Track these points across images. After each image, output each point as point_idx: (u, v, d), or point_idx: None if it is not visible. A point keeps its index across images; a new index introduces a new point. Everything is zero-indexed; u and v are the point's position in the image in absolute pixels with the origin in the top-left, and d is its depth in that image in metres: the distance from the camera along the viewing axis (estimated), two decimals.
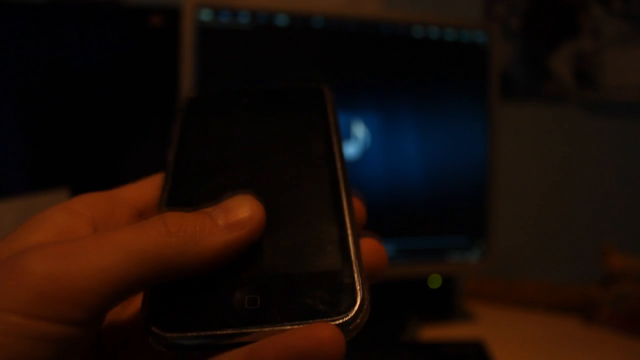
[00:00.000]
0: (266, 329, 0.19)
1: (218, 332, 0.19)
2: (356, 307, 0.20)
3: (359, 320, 0.20)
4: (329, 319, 0.19)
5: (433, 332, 0.78)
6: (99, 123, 0.80)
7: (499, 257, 0.87)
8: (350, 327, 0.19)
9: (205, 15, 0.72)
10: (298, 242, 0.22)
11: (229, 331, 0.19)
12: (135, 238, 0.19)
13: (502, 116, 0.89)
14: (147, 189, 0.25)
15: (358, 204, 0.24)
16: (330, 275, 0.20)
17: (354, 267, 0.21)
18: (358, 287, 0.20)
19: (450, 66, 0.82)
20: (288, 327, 0.19)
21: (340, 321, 0.19)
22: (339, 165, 0.25)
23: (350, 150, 0.78)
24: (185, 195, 0.24)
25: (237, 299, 0.20)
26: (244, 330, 0.19)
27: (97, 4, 0.80)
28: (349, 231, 0.22)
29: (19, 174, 0.77)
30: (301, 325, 0.19)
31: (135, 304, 0.24)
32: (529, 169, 1.10)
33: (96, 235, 0.19)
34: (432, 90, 0.81)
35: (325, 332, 0.18)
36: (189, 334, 0.19)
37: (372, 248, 0.23)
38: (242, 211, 0.21)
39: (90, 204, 0.23)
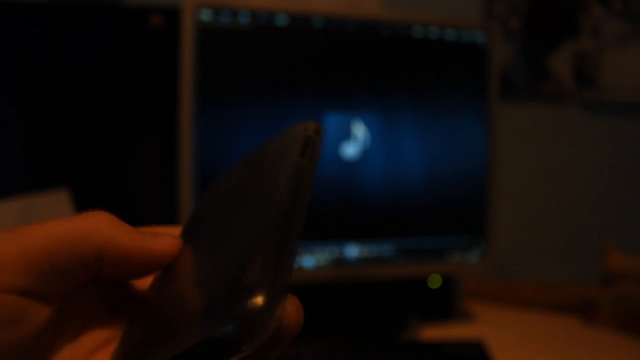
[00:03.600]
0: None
1: None
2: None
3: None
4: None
5: (433, 332, 0.78)
6: (99, 123, 0.80)
7: (499, 257, 0.87)
8: None
9: (205, 15, 0.72)
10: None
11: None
12: (60, 223, 0.21)
13: (502, 116, 0.89)
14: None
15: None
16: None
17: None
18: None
19: (450, 66, 0.82)
20: None
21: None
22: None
23: (350, 150, 0.78)
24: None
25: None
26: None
27: (97, 4, 0.80)
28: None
29: (19, 174, 0.77)
30: None
31: None
32: (529, 169, 1.10)
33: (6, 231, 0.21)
34: (432, 90, 0.81)
35: None
36: None
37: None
38: (166, 237, 0.24)
39: None
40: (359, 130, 0.79)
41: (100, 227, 0.21)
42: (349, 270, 0.78)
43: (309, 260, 0.76)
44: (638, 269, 0.84)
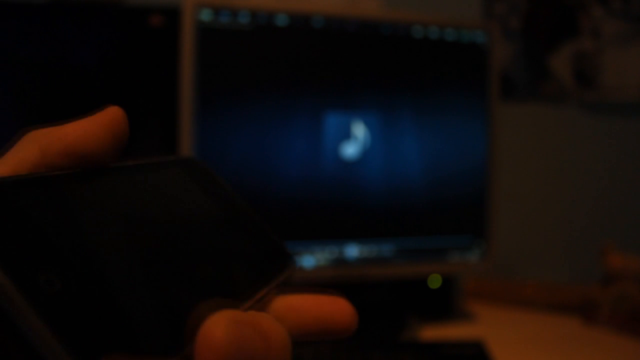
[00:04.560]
0: None
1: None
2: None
3: None
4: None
5: (433, 332, 0.78)
6: None
7: (499, 257, 0.87)
8: None
9: (205, 15, 0.72)
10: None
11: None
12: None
13: (502, 116, 0.89)
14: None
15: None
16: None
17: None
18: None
19: (450, 66, 0.82)
20: None
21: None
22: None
23: (350, 150, 0.78)
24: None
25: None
26: None
27: (97, 4, 0.80)
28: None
29: None
30: None
31: None
32: (529, 169, 1.10)
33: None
34: (432, 90, 0.81)
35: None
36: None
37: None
38: (103, 111, 0.23)
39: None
40: (359, 130, 0.79)
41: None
42: (349, 270, 0.78)
43: (309, 260, 0.76)
44: (638, 269, 0.84)
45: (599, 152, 1.11)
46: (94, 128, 0.22)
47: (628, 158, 1.11)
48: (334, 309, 0.22)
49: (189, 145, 0.71)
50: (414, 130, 0.80)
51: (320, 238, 0.77)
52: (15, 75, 0.77)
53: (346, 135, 0.78)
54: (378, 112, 0.79)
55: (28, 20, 0.76)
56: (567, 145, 1.11)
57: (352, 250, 0.78)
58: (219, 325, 0.15)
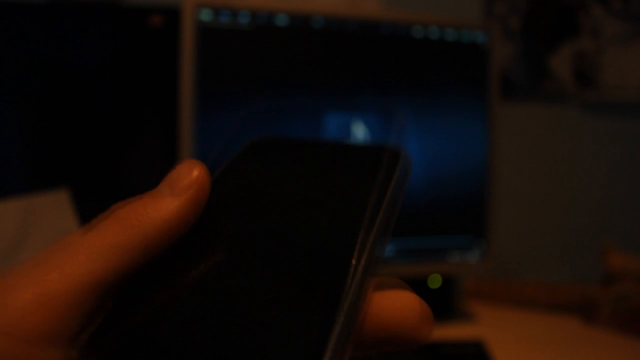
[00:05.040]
0: None
1: None
2: None
3: None
4: None
5: (433, 332, 0.78)
6: (99, 123, 0.80)
7: (499, 257, 0.87)
8: None
9: (205, 15, 0.72)
10: (263, 331, 0.17)
11: None
12: (91, 236, 0.19)
13: (502, 116, 0.89)
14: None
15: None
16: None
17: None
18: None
19: (450, 66, 0.82)
20: None
21: None
22: (363, 258, 0.20)
23: None
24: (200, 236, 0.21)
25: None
26: None
27: (97, 4, 0.80)
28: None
29: (19, 174, 0.77)
30: None
31: None
32: (529, 169, 1.10)
33: (51, 246, 0.18)
34: (432, 90, 0.81)
35: None
36: None
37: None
38: (186, 176, 0.21)
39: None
40: (359, 130, 0.79)
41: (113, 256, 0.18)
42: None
43: None
44: (638, 269, 0.84)
45: (599, 152, 1.11)
46: (183, 212, 0.20)
47: (628, 158, 1.11)
48: (403, 310, 0.20)
49: (189, 145, 0.71)
50: (414, 130, 0.80)
51: None
52: (15, 75, 0.77)
53: (346, 135, 0.78)
54: (378, 112, 0.79)
55: (28, 20, 0.76)
56: (567, 145, 1.11)
57: None
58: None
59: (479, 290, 0.95)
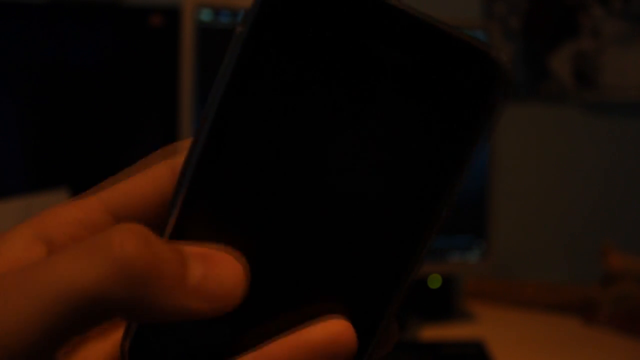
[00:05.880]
0: None
1: None
2: None
3: None
4: None
5: (433, 332, 0.78)
6: (99, 123, 0.80)
7: (499, 257, 0.87)
8: None
9: (205, 15, 0.72)
10: (321, 306, 0.17)
11: None
12: (68, 274, 0.14)
13: (502, 116, 0.89)
14: (149, 184, 0.19)
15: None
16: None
17: None
18: None
19: None
20: None
21: None
22: (433, 225, 0.17)
23: None
24: (205, 207, 0.17)
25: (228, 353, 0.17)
26: None
27: (97, 4, 0.80)
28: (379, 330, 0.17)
29: (19, 174, 0.77)
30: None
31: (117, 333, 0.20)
32: (529, 169, 1.10)
33: (17, 273, 0.15)
34: None
35: (339, 327, 0.17)
36: None
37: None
38: (224, 280, 0.16)
39: (63, 224, 0.18)
40: None
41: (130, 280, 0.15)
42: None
43: None
44: (638, 269, 0.84)
45: (599, 152, 1.11)
46: (204, 313, 0.16)
47: (628, 158, 1.11)
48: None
49: None
50: None
51: None
52: (15, 75, 0.77)
53: None
54: None
55: (28, 20, 0.76)
56: (567, 145, 1.11)
57: None
58: None
59: (479, 290, 0.95)
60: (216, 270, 0.16)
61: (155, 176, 0.19)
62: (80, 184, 0.77)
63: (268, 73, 0.16)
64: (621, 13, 1.07)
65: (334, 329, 0.16)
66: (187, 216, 0.17)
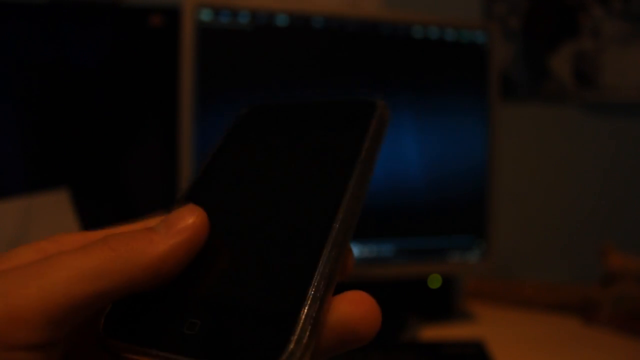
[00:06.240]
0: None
1: (156, 353, 0.20)
2: None
3: None
4: None
5: (433, 332, 0.78)
6: (99, 123, 0.80)
7: (499, 257, 0.87)
8: None
9: (205, 15, 0.72)
10: (261, 274, 0.21)
11: (165, 354, 0.20)
12: (77, 257, 0.19)
13: (502, 116, 0.89)
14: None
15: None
16: (276, 319, 0.19)
17: (302, 317, 0.19)
18: (298, 340, 0.19)
19: (450, 66, 0.82)
20: None
21: None
22: (344, 204, 0.24)
23: None
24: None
25: (179, 321, 0.20)
26: (176, 357, 0.19)
27: (97, 4, 0.80)
28: (316, 278, 0.20)
29: (19, 174, 0.77)
30: None
31: None
32: (529, 169, 1.10)
33: (37, 260, 0.19)
34: (432, 90, 0.81)
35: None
36: (133, 347, 0.20)
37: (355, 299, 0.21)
38: (183, 220, 0.21)
39: (64, 244, 0.22)
40: None
41: (120, 257, 0.20)
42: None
43: None
44: (638, 269, 0.84)
45: (599, 152, 1.11)
46: (173, 254, 0.21)
47: (628, 158, 1.11)
48: (357, 313, 0.21)
49: (188, 145, 0.71)
50: (414, 130, 0.80)
51: None
52: (15, 75, 0.77)
53: None
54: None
55: (28, 20, 0.76)
56: (567, 145, 1.11)
57: (352, 251, 0.78)
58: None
59: (479, 290, 0.95)
60: (175, 214, 0.21)
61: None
62: (80, 184, 0.77)
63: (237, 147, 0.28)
64: (621, 13, 1.07)
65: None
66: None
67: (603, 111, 1.10)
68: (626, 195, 1.11)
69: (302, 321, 0.19)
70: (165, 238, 0.20)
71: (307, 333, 0.19)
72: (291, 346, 0.18)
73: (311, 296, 0.20)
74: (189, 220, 0.21)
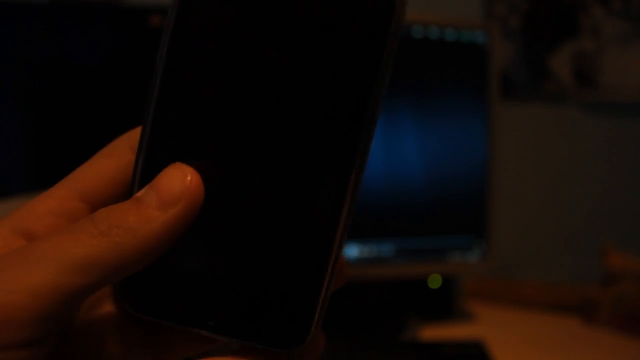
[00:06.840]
0: (214, 335, 0.20)
1: (173, 323, 0.20)
2: (304, 345, 0.19)
3: (304, 354, 0.20)
4: (274, 348, 0.19)
5: (433, 332, 0.78)
6: (99, 123, 0.80)
7: (499, 257, 0.87)
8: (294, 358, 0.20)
9: None
10: (273, 245, 0.19)
11: (184, 326, 0.20)
12: (65, 245, 0.17)
13: (502, 116, 0.89)
14: (107, 169, 0.22)
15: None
16: (292, 303, 0.19)
17: (318, 305, 0.19)
18: (313, 325, 0.19)
19: (450, 66, 0.82)
20: (235, 342, 0.19)
21: (285, 352, 0.19)
22: (359, 152, 0.20)
23: None
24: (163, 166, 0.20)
25: (198, 293, 0.20)
26: (198, 331, 0.20)
27: (97, 4, 0.80)
28: (333, 255, 0.19)
29: (19, 174, 0.77)
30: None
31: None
32: (529, 169, 1.10)
33: (22, 248, 0.18)
34: (432, 90, 0.81)
35: None
36: (149, 316, 0.20)
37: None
38: (174, 185, 0.19)
39: (40, 216, 0.20)
40: None
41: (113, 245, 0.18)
42: (349, 270, 0.78)
43: None
44: (638, 269, 0.84)
45: (598, 152, 1.11)
46: (170, 229, 0.19)
47: (628, 158, 1.11)
48: None
49: None
50: (414, 130, 0.80)
51: None
52: (15, 75, 0.77)
53: None
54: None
55: (28, 20, 0.76)
56: (567, 145, 1.11)
57: (352, 250, 0.78)
58: None
59: (479, 290, 0.95)
60: (163, 178, 0.19)
61: (118, 156, 0.22)
62: None
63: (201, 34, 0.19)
64: (621, 13, 1.07)
65: None
66: (153, 153, 0.20)
67: (603, 111, 1.10)
68: (626, 195, 1.11)
69: (320, 303, 0.19)
70: (158, 212, 0.18)
71: (321, 313, 0.19)
72: (312, 329, 0.19)
73: (328, 275, 0.19)
74: (181, 185, 0.18)
